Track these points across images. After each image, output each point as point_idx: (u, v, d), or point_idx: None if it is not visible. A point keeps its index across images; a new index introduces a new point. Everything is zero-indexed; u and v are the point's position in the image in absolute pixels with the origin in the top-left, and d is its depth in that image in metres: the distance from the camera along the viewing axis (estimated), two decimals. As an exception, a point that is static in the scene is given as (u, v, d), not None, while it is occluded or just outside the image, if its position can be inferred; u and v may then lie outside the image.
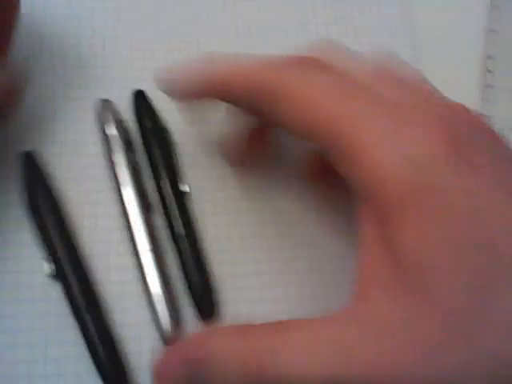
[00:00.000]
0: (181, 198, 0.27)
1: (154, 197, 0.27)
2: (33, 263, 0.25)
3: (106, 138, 0.27)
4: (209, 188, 0.28)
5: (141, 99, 0.29)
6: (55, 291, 0.25)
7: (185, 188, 0.27)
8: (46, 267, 0.25)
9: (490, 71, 0.33)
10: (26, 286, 0.25)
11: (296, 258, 0.28)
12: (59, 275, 0.25)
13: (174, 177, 0.27)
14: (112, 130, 0.27)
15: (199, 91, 0.24)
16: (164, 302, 0.25)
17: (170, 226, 0.27)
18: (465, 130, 0.20)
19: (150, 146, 0.28)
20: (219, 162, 0.29)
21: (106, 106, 0.28)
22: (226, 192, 0.28)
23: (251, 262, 0.27)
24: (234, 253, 0.27)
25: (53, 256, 0.25)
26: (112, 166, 0.27)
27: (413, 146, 0.19)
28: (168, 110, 0.29)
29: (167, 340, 0.25)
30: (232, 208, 0.28)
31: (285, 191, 0.29)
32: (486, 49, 0.34)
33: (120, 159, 0.27)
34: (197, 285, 0.26)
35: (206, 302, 0.26)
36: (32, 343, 0.24)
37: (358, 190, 0.20)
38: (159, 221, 0.27)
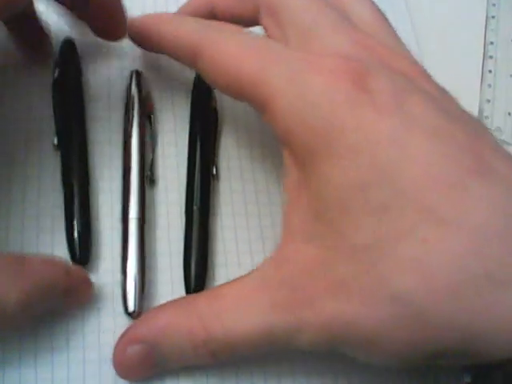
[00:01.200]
0: (207, 178, 0.27)
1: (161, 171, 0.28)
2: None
3: (127, 105, 0.28)
4: (238, 177, 0.28)
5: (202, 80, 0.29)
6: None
7: (213, 171, 0.28)
8: (54, 140, 0.27)
9: (490, 57, 0.35)
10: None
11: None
12: (60, 146, 0.26)
13: (207, 158, 0.28)
14: (135, 98, 0.28)
15: (145, 42, 0.27)
16: (135, 275, 0.24)
17: (188, 201, 0.27)
18: (371, 68, 0.20)
19: (196, 122, 0.28)
20: (256, 156, 0.29)
21: (135, 75, 0.29)
22: (254, 183, 0.28)
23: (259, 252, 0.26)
24: (246, 243, 0.27)
25: (58, 130, 0.27)
26: (126, 131, 0.28)
27: (315, 91, 0.19)
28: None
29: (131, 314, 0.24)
30: (259, 199, 0.28)
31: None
32: (487, 35, 0.36)
33: (134, 127, 0.27)
34: (192, 262, 0.25)
35: (196, 282, 0.25)
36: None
37: (278, 138, 0.21)
38: (158, 191, 0.27)
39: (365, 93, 0.19)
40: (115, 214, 0.26)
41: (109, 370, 0.23)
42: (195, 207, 0.26)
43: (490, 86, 0.33)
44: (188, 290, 0.25)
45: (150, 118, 0.29)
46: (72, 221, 0.25)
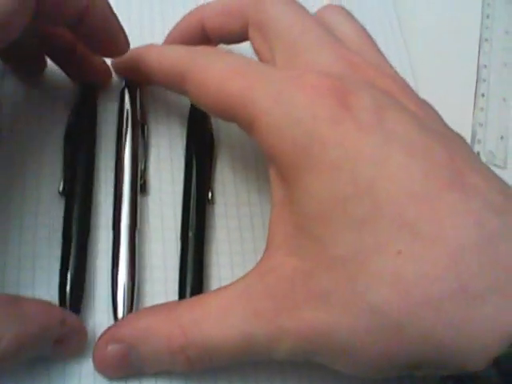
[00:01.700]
0: (203, 203, 0.27)
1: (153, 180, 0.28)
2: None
3: (120, 115, 0.28)
4: (233, 202, 0.28)
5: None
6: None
7: (209, 196, 0.27)
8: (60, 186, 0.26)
9: (484, 80, 0.35)
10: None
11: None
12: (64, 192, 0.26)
13: (203, 182, 0.27)
14: (127, 109, 0.28)
15: (133, 74, 0.28)
16: (125, 282, 0.24)
17: (183, 225, 0.26)
18: (352, 85, 0.20)
19: (192, 147, 0.28)
20: (251, 179, 0.29)
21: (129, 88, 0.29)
22: (249, 207, 0.28)
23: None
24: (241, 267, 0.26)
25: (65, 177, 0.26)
26: (119, 140, 0.28)
27: (297, 108, 0.20)
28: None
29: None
30: (255, 223, 0.28)
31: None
32: (480, 58, 0.36)
33: (127, 135, 0.27)
34: (187, 290, 0.25)
35: None
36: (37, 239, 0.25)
37: (265, 155, 0.22)
38: (152, 204, 0.27)
39: (346, 110, 0.19)
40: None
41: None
42: (191, 233, 0.26)
43: (482, 109, 0.34)
44: None
45: (143, 128, 0.29)
46: (65, 276, 0.24)
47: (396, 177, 0.18)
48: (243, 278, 0.22)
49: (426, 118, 0.21)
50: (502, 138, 0.33)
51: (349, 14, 0.26)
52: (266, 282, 0.21)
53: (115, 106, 0.29)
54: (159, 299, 0.25)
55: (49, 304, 0.23)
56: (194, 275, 0.25)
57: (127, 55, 0.27)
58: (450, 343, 0.17)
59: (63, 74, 0.29)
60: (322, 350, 0.20)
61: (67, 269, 0.24)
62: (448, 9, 0.38)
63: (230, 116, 0.22)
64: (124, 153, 0.27)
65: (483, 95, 0.34)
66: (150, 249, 0.26)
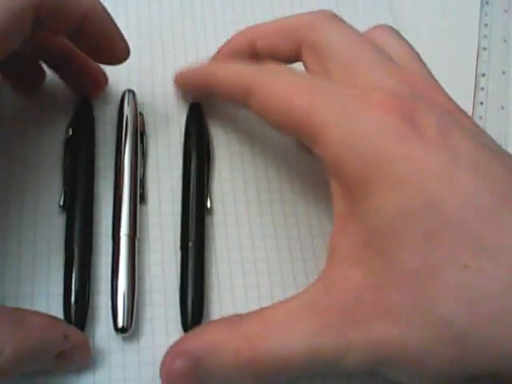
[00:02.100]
0: (201, 212, 0.27)
1: (150, 189, 0.28)
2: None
3: (119, 124, 0.28)
4: (233, 211, 0.28)
5: (195, 112, 0.30)
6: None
7: (207, 203, 0.28)
8: (61, 199, 0.26)
9: (482, 89, 0.35)
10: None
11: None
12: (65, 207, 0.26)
13: (201, 191, 0.28)
14: (127, 116, 0.28)
15: (201, 91, 0.29)
16: (124, 291, 0.24)
17: (182, 235, 0.26)
18: (416, 103, 0.21)
19: (190, 157, 0.28)
20: (249, 189, 0.29)
21: (128, 94, 0.29)
22: (248, 217, 0.28)
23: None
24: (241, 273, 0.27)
25: (66, 191, 0.26)
26: (118, 149, 0.28)
27: (365, 124, 0.20)
28: (220, 128, 0.30)
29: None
30: (254, 233, 0.28)
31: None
32: (478, 67, 0.36)
33: (126, 145, 0.28)
34: (189, 300, 0.25)
35: (193, 320, 0.25)
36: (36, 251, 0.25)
37: (327, 169, 0.22)
38: (151, 213, 0.27)
39: (412, 127, 0.20)
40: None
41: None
42: (190, 243, 0.26)
43: (481, 117, 0.34)
44: (185, 328, 0.25)
45: (142, 137, 0.29)
46: (69, 291, 0.24)
47: (462, 193, 0.19)
48: (307, 289, 0.22)
49: (482, 135, 0.22)
50: (500, 146, 0.33)
51: (398, 34, 0.27)
52: (333, 295, 0.21)
53: (114, 116, 0.29)
54: (160, 309, 0.25)
55: (52, 318, 0.23)
56: (195, 285, 0.25)
57: (192, 70, 0.29)
58: (510, 355, 0.18)
59: (61, 86, 0.29)
60: (390, 362, 0.20)
61: (71, 284, 0.24)
62: (446, 18, 0.38)
63: (294, 130, 0.23)
64: (123, 162, 0.27)
65: (482, 103, 0.34)
66: (149, 258, 0.26)
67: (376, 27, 0.27)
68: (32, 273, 0.25)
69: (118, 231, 0.26)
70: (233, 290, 0.27)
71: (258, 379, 0.22)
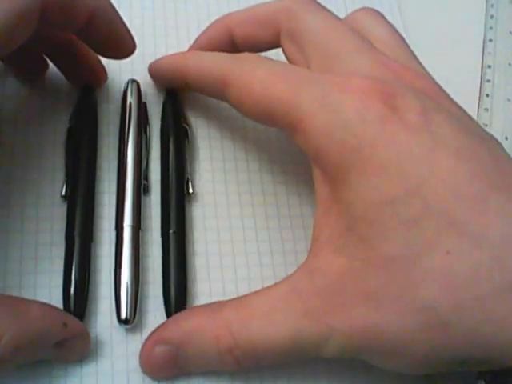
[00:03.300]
0: (182, 198, 0.27)
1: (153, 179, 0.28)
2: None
3: (123, 114, 0.28)
4: (212, 191, 0.28)
5: (172, 96, 0.29)
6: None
7: (189, 188, 0.27)
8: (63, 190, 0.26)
9: (488, 81, 0.35)
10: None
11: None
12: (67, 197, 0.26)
13: (180, 177, 0.27)
14: (131, 107, 0.28)
15: (174, 82, 0.28)
16: (127, 282, 0.24)
17: (163, 223, 0.26)
18: (397, 88, 0.21)
19: (167, 142, 0.28)
20: (228, 168, 0.29)
21: (132, 84, 0.29)
22: (227, 197, 0.28)
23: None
24: (226, 258, 0.27)
25: (68, 181, 0.26)
26: (122, 139, 0.28)
27: (345, 111, 0.20)
28: (199, 116, 0.30)
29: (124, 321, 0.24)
30: (233, 213, 0.28)
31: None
32: (484, 59, 0.36)
33: (130, 135, 0.27)
34: (171, 293, 0.25)
35: (176, 308, 0.24)
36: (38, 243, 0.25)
37: (309, 157, 0.22)
38: (154, 203, 0.27)
39: (394, 112, 0.20)
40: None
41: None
42: (171, 231, 0.26)
43: (487, 110, 0.33)
44: (168, 315, 0.24)
45: (145, 126, 0.29)
46: (69, 280, 0.24)
47: (444, 178, 0.19)
48: (289, 277, 0.22)
49: (465, 119, 0.22)
50: (506, 138, 0.33)
51: (381, 17, 0.26)
52: (314, 281, 0.21)
53: (117, 106, 0.29)
54: (161, 300, 0.25)
55: (51, 306, 0.23)
56: (176, 273, 0.25)
57: (164, 60, 0.28)
58: (497, 339, 0.18)
59: (64, 77, 0.29)
60: (371, 348, 0.20)
61: (70, 274, 0.24)
62: (452, 10, 0.38)
63: (273, 120, 0.23)
64: (127, 153, 0.27)
65: (488, 95, 0.34)
66: (152, 250, 0.26)
67: (359, 10, 0.27)
68: (34, 264, 0.25)
69: (122, 222, 0.25)
70: (219, 273, 0.27)
71: (239, 365, 0.22)
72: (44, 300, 0.24)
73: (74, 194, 0.26)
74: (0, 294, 0.23)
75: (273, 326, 0.21)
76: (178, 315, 0.24)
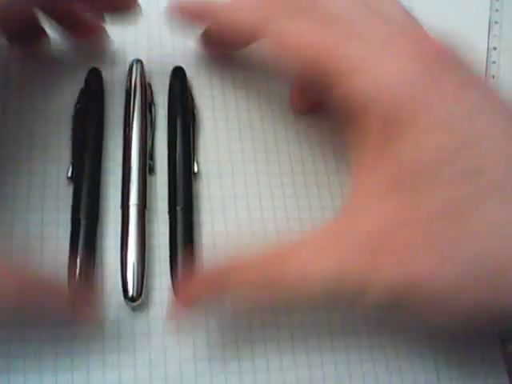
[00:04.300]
0: (189, 175, 0.27)
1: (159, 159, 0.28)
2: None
3: (128, 94, 0.28)
4: (218, 172, 0.28)
5: (178, 75, 0.29)
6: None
7: (194, 168, 0.27)
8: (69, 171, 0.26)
9: (493, 62, 0.35)
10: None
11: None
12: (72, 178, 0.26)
13: (187, 155, 0.27)
14: (135, 86, 0.28)
15: (203, 23, 0.28)
16: (134, 260, 0.24)
17: (170, 200, 0.26)
18: (438, 59, 0.21)
19: (174, 122, 0.28)
20: (233, 149, 0.29)
21: (136, 64, 0.29)
22: (232, 178, 0.28)
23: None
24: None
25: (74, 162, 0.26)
26: (127, 119, 0.27)
27: (400, 64, 0.21)
28: (205, 96, 0.30)
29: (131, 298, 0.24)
30: (239, 194, 0.28)
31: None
32: (490, 41, 0.36)
33: (135, 114, 0.27)
34: (178, 269, 0.25)
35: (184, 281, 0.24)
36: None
37: (350, 109, 0.22)
38: (159, 183, 0.27)
39: (441, 74, 0.21)
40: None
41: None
42: (178, 208, 0.26)
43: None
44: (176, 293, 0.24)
45: (150, 106, 0.29)
46: (75, 260, 0.24)
47: (488, 138, 0.20)
48: (333, 222, 0.22)
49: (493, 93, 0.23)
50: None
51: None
52: (362, 225, 0.21)
53: (121, 87, 0.29)
54: (167, 279, 0.25)
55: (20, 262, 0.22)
56: (184, 247, 0.25)
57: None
58: None
59: (70, 58, 0.29)
60: (415, 294, 0.20)
61: (76, 256, 0.24)
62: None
63: (314, 71, 0.23)
64: (132, 133, 0.27)
65: (493, 77, 0.34)
66: (158, 228, 0.26)
67: None
68: (40, 243, 0.25)
69: (128, 201, 0.25)
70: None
71: (274, 302, 0.22)
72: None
73: (80, 175, 0.26)
74: None
75: (317, 266, 0.21)
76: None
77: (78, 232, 0.25)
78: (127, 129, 0.27)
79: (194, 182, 0.27)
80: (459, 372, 0.25)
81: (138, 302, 0.24)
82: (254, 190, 0.28)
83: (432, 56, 0.21)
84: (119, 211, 0.26)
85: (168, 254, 0.25)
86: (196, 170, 0.28)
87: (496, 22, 0.36)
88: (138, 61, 0.29)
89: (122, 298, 0.24)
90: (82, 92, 0.28)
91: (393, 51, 0.21)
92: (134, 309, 0.24)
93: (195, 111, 0.29)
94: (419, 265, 0.19)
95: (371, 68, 0.21)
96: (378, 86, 0.21)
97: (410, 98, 0.20)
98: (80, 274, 0.24)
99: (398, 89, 0.20)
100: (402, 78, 0.21)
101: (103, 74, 0.29)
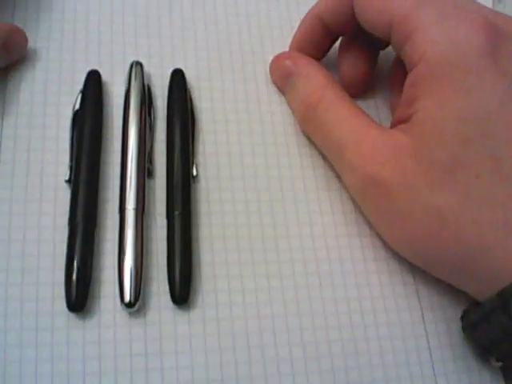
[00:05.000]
0: (187, 179, 0.27)
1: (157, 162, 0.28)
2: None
3: (127, 97, 0.28)
4: (217, 175, 0.28)
5: (178, 78, 0.29)
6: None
7: (193, 171, 0.27)
8: (67, 173, 0.26)
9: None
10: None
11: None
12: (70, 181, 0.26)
13: (186, 158, 0.27)
14: (134, 89, 0.28)
15: None
16: (131, 265, 0.24)
17: (168, 204, 0.26)
18: (504, 35, 0.24)
19: (173, 125, 0.28)
20: (234, 153, 0.29)
21: (136, 67, 0.28)
22: (231, 181, 0.28)
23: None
24: (230, 241, 0.27)
25: (72, 165, 0.26)
26: (126, 122, 0.27)
27: (455, 33, 0.23)
28: (204, 99, 0.30)
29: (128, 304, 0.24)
30: (238, 198, 0.28)
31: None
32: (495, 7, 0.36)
33: (133, 117, 0.27)
34: (176, 272, 0.24)
35: (181, 290, 0.24)
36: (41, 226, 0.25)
37: (408, 62, 0.25)
38: (158, 186, 0.27)
39: (495, 51, 0.23)
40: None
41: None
42: (176, 213, 0.26)
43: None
44: (174, 299, 0.24)
45: (149, 109, 0.28)
46: (71, 266, 0.24)
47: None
48: (393, 130, 0.26)
49: None
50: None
51: None
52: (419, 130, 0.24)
53: (120, 89, 0.29)
54: (165, 284, 0.25)
55: None
56: (181, 257, 0.25)
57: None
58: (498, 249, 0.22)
59: (69, 59, 0.29)
60: None
61: (73, 260, 0.24)
62: None
63: (389, 27, 0.25)
64: (129, 136, 0.27)
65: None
66: (156, 233, 0.26)
67: None
68: (37, 247, 0.25)
69: (125, 205, 0.25)
70: (226, 253, 0.26)
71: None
72: (47, 284, 0.24)
73: (77, 178, 0.26)
74: None
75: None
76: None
77: (76, 236, 0.24)
78: (126, 132, 0.27)
79: (192, 185, 0.27)
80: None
81: (136, 307, 0.24)
82: (253, 194, 0.28)
83: (494, 29, 0.24)
84: (117, 215, 0.26)
85: (166, 258, 0.25)
86: (195, 173, 0.27)
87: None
88: (138, 63, 0.29)
89: (119, 303, 0.24)
90: (81, 94, 0.28)
91: (463, 18, 0.24)
92: (131, 314, 0.24)
93: (194, 114, 0.29)
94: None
95: (432, 29, 0.24)
96: (430, 44, 0.24)
97: (453, 59, 0.23)
98: (77, 278, 0.24)
99: (445, 49, 0.23)
100: (455, 43, 0.23)
101: (102, 76, 0.29)
